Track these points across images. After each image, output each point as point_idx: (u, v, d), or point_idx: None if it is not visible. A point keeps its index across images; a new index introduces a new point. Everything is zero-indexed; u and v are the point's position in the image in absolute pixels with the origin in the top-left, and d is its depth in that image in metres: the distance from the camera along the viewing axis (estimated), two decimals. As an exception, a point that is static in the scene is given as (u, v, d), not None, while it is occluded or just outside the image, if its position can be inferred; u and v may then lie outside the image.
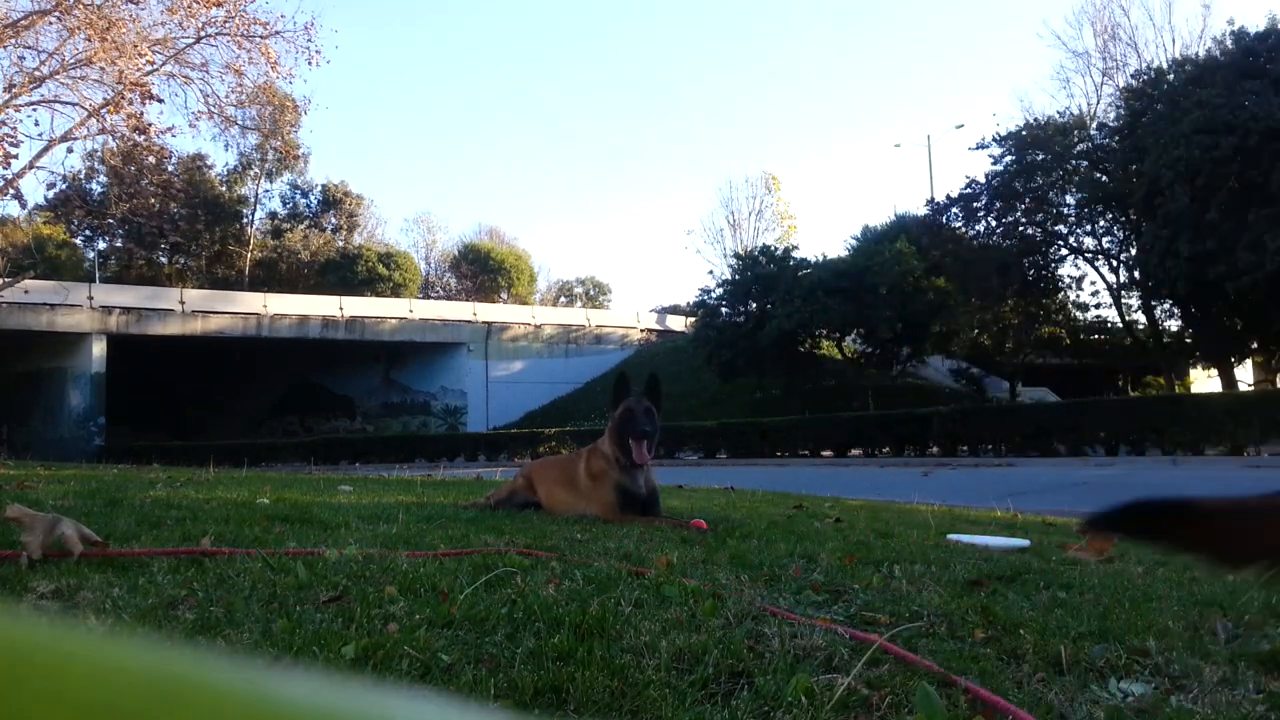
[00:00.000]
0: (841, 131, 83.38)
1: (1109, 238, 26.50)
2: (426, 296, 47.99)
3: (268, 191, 49.03)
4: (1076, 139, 26.06)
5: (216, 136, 41.12)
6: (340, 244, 49.14)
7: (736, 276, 29.23)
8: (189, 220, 41.98)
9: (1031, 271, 26.46)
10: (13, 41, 14.70)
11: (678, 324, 41.69)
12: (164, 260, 46.49)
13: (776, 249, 30.73)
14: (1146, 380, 32.29)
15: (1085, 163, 25.58)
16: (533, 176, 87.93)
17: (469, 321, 36.32)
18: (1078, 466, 14.13)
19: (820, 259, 29.17)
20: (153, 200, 20.12)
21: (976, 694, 1.22)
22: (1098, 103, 30.35)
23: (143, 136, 15.72)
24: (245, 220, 47.98)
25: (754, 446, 21.12)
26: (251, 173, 46.99)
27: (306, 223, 49.15)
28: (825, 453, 20.36)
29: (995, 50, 76.53)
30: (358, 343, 34.83)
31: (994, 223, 26.48)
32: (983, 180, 26.23)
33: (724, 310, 28.99)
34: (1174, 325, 25.90)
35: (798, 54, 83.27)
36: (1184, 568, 2.59)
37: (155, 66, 15.90)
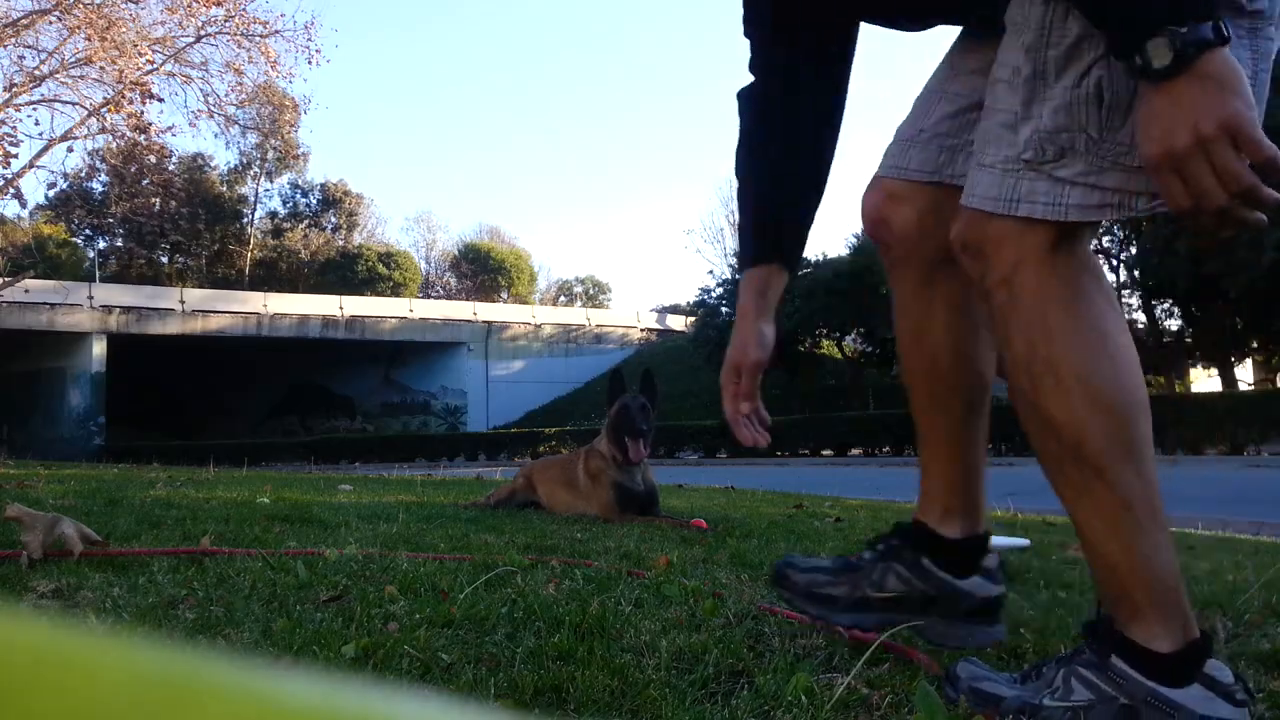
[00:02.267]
0: (841, 130, 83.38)
1: (1109, 237, 26.49)
2: (426, 296, 48.01)
3: (268, 191, 49.19)
4: (1077, 138, 26.04)
5: (217, 135, 41.15)
6: (340, 243, 49.17)
7: (737, 276, 29.15)
8: (189, 219, 42.04)
9: (1031, 271, 26.45)
10: (13, 41, 14.71)
11: (678, 323, 41.70)
12: (164, 260, 46.53)
13: (777, 248, 30.66)
14: (1146, 380, 32.30)
15: (1085, 162, 25.55)
16: (533, 176, 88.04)
17: (469, 321, 36.33)
18: (1078, 466, 14.11)
19: (820, 259, 29.17)
20: (153, 199, 20.17)
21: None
22: (1098, 102, 30.34)
23: (143, 136, 15.74)
24: (245, 220, 48.02)
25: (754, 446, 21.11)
26: (252, 172, 47.04)
27: (306, 222, 49.18)
28: (825, 452, 20.36)
29: (995, 50, 76.41)
30: (358, 342, 34.83)
31: (994, 222, 26.47)
32: (983, 180, 26.22)
33: (724, 310, 28.97)
34: (1174, 325, 25.91)
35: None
36: (1184, 567, 2.59)
37: (155, 66, 15.92)
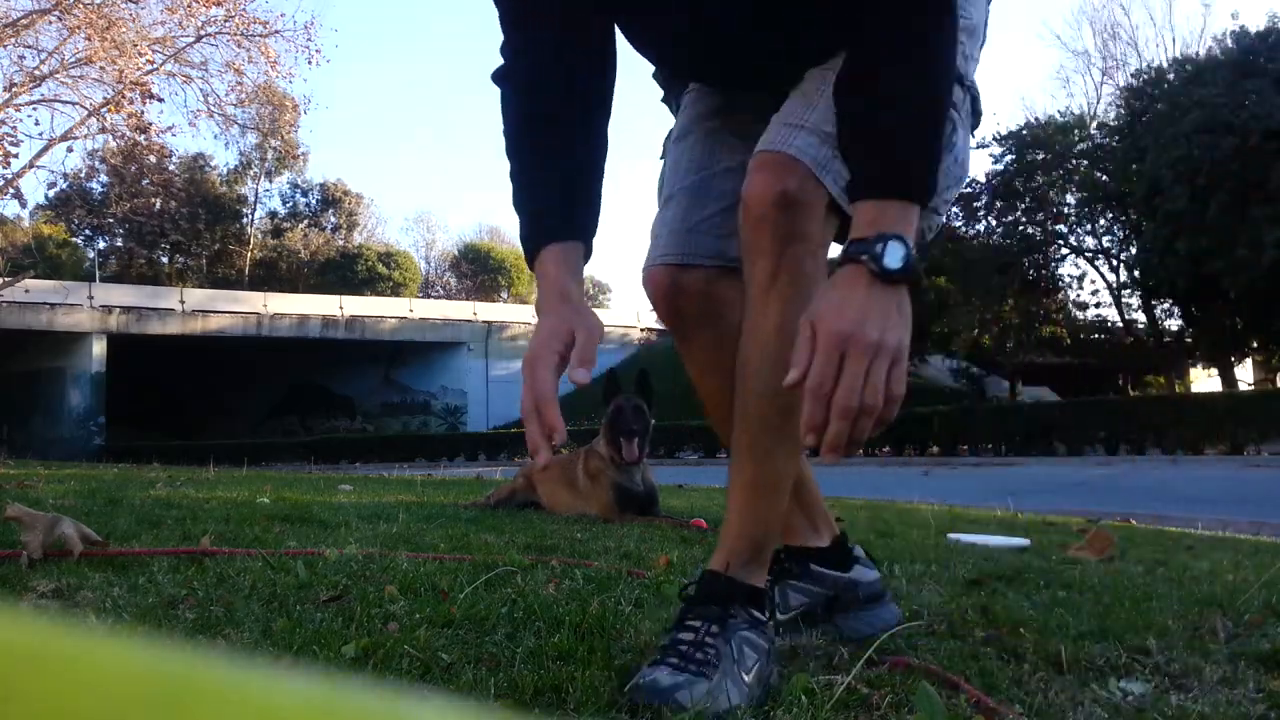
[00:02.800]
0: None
1: (1109, 237, 26.53)
2: (426, 296, 47.98)
3: (268, 191, 49.20)
4: (1077, 138, 26.06)
5: (217, 135, 41.13)
6: (340, 243, 49.15)
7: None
8: (189, 219, 42.05)
9: (1031, 271, 26.46)
10: (13, 41, 14.71)
11: (678, 323, 41.58)
12: (164, 260, 46.51)
13: (776, 248, 30.64)
14: (1146, 380, 32.29)
15: (1085, 162, 25.58)
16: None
17: (469, 321, 36.31)
18: (1077, 466, 14.14)
19: (820, 258, 29.14)
20: (153, 199, 20.19)
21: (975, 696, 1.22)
22: (1098, 102, 30.42)
23: (143, 135, 15.74)
24: (245, 219, 48.00)
25: (754, 446, 21.07)
26: (251, 172, 47.02)
27: (306, 222, 49.15)
28: (825, 452, 20.31)
29: (996, 50, 76.58)
30: (358, 342, 34.82)
31: (994, 222, 26.48)
32: (983, 180, 26.23)
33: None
34: (1174, 324, 25.91)
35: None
36: (1184, 567, 2.59)
37: (155, 66, 15.92)
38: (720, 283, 1.48)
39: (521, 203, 1.39)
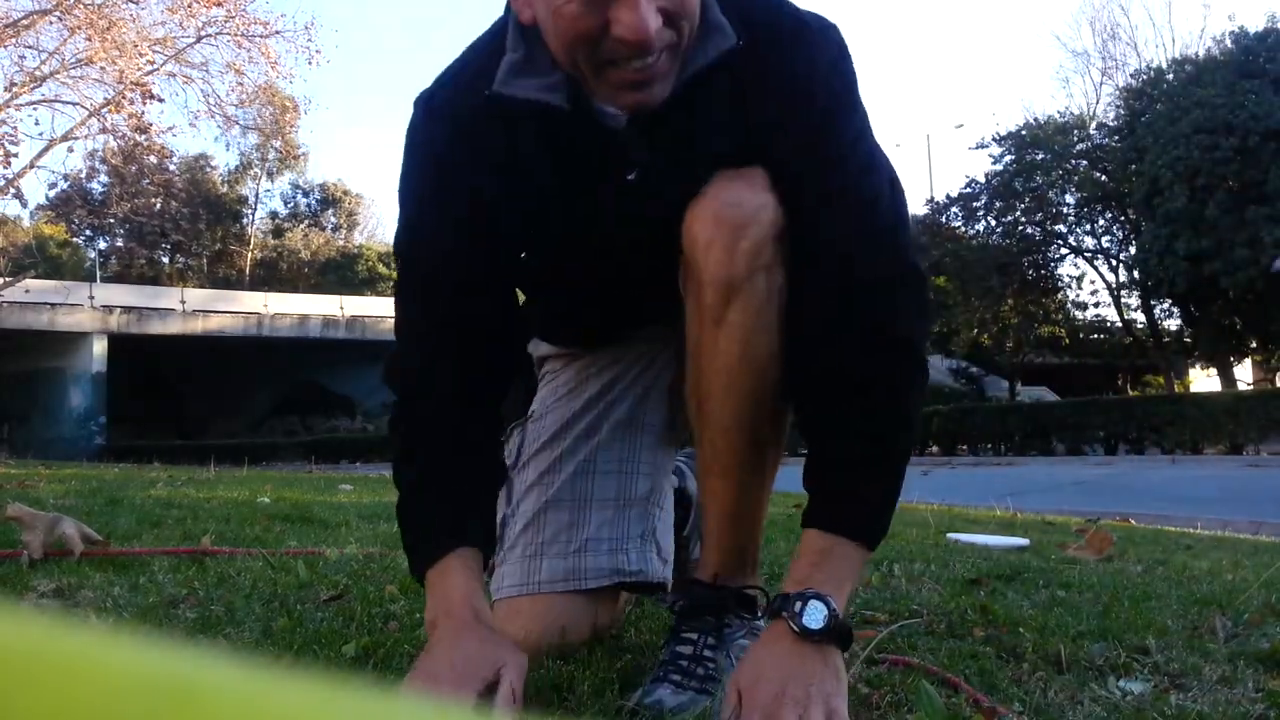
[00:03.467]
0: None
1: (1108, 237, 26.50)
2: (427, 296, 47.92)
3: (268, 191, 49.12)
4: (1076, 138, 26.05)
5: (218, 136, 41.09)
6: (341, 243, 49.14)
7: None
8: (190, 220, 42.04)
9: (1031, 271, 26.45)
10: (13, 41, 14.71)
11: (678, 323, 41.60)
12: (165, 260, 46.49)
13: (776, 248, 30.59)
14: (1146, 379, 32.28)
15: (1085, 162, 25.56)
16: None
17: (469, 321, 36.22)
18: (1077, 465, 14.14)
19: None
20: (154, 200, 20.20)
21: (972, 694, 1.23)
22: (1097, 102, 30.36)
23: (144, 136, 15.75)
24: (246, 220, 47.99)
25: (754, 446, 21.07)
26: (252, 172, 47.01)
27: (306, 222, 49.14)
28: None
29: (995, 50, 76.64)
30: (358, 342, 34.83)
31: (993, 222, 26.46)
32: (982, 180, 26.22)
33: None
34: (1173, 324, 25.90)
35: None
36: (1183, 567, 2.60)
37: (156, 66, 15.92)
38: (612, 613, 1.41)
39: (420, 499, 1.22)
